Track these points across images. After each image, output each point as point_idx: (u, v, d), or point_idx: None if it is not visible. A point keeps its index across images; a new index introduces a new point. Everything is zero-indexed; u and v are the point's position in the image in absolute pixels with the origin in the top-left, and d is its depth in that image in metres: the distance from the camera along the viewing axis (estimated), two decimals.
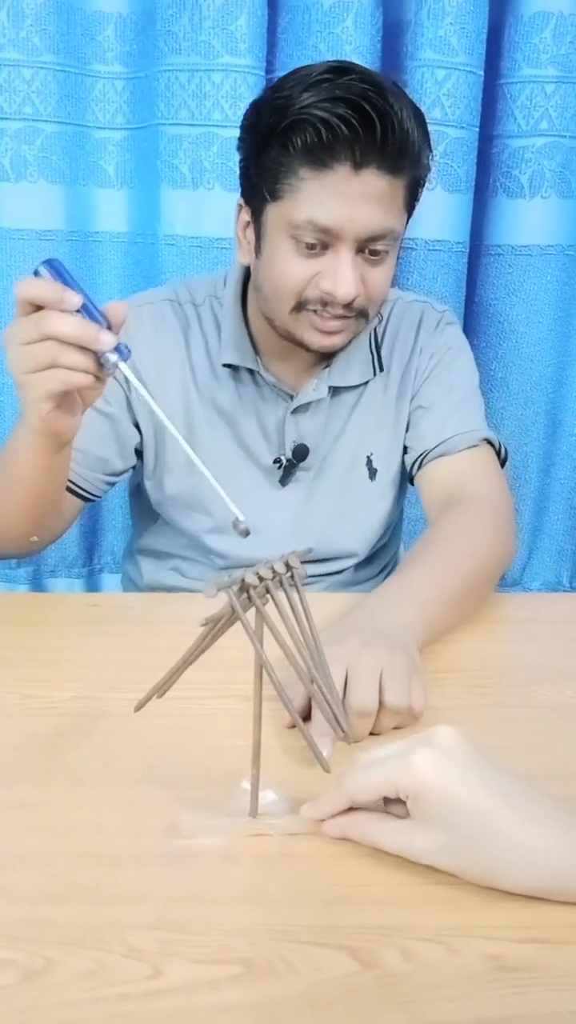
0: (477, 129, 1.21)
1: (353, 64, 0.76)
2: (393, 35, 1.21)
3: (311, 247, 0.79)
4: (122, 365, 0.60)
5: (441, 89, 1.17)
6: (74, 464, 0.87)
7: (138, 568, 1.05)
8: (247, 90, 1.16)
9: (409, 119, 0.75)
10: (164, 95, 1.17)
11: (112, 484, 0.95)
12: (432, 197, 1.22)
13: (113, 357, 0.59)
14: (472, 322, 1.35)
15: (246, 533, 0.53)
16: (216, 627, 0.47)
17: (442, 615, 0.73)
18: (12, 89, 1.17)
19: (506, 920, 0.43)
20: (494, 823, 0.43)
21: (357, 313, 0.83)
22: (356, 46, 1.15)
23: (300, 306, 0.82)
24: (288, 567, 0.48)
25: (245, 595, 0.46)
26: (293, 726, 0.59)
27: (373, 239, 0.79)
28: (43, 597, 1.06)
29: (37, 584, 1.43)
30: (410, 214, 0.84)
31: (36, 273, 0.63)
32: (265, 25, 1.15)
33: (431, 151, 0.81)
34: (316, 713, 0.57)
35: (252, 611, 0.47)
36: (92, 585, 1.45)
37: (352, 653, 0.60)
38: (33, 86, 1.18)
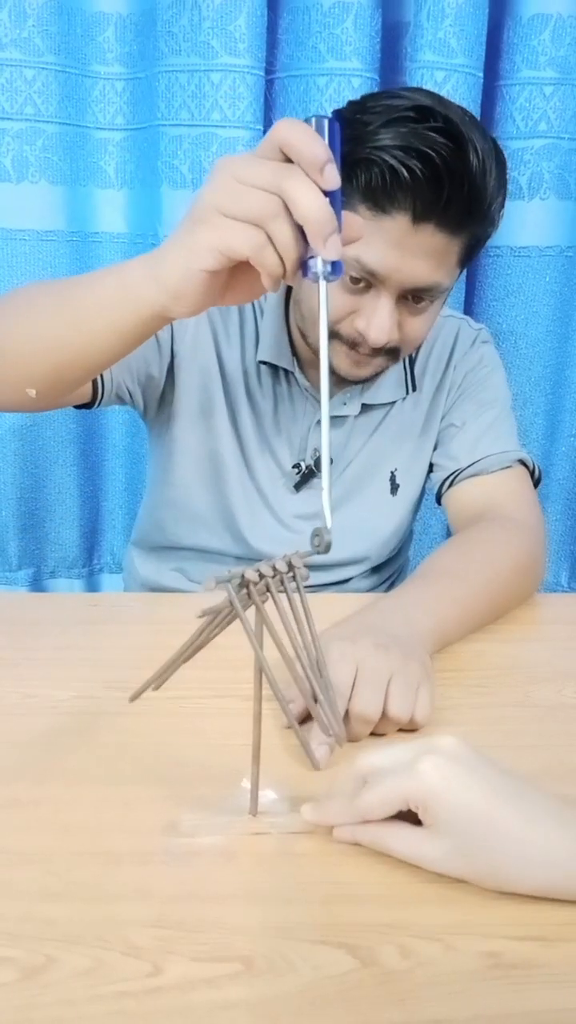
0: None
1: (440, 107, 0.71)
2: (393, 36, 1.21)
3: (355, 282, 0.77)
4: (323, 283, 0.48)
5: (440, 91, 1.17)
6: None
7: (137, 563, 1.05)
8: (246, 90, 1.16)
9: (485, 177, 0.72)
10: (164, 96, 1.17)
11: (116, 398, 0.88)
12: None
13: (320, 268, 0.48)
14: None
15: (326, 548, 0.46)
16: (214, 621, 0.47)
17: (458, 630, 0.73)
18: (14, 89, 1.17)
19: (504, 918, 0.43)
20: (502, 826, 0.43)
21: (387, 351, 0.82)
22: (356, 47, 1.16)
23: (333, 336, 0.81)
24: (290, 567, 0.47)
25: (245, 591, 0.46)
26: (291, 727, 0.59)
27: (418, 290, 0.77)
28: (43, 597, 1.06)
29: (37, 586, 1.43)
30: (464, 268, 0.82)
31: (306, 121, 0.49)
32: (265, 25, 1.15)
33: (503, 208, 0.78)
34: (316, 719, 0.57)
35: (252, 609, 0.47)
36: (92, 585, 1.45)
37: (363, 655, 0.59)
38: (35, 86, 1.18)
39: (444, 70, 1.16)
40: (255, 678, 0.49)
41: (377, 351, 0.81)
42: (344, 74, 1.17)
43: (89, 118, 1.22)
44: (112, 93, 1.22)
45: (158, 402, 0.95)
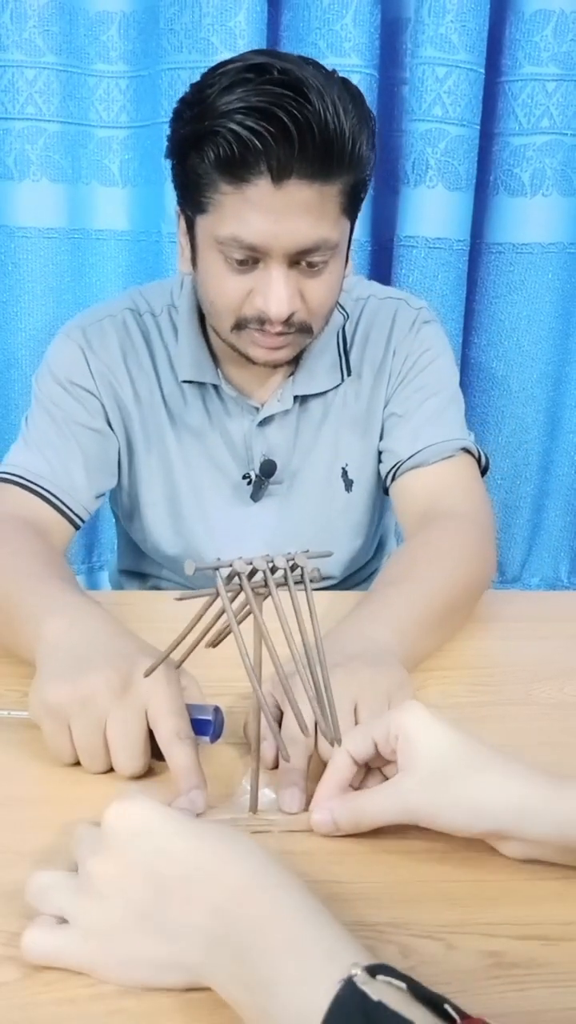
0: (478, 127, 1.21)
1: (274, 60, 0.68)
2: (393, 32, 1.21)
3: (242, 263, 0.73)
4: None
5: (442, 87, 1.17)
6: (71, 495, 0.85)
7: (121, 587, 1.06)
8: None
9: (338, 118, 0.67)
10: (167, 93, 1.17)
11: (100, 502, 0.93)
12: (433, 195, 1.22)
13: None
14: (473, 320, 1.35)
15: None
16: (203, 608, 0.47)
17: (420, 636, 0.68)
18: (15, 90, 1.18)
19: (505, 917, 0.43)
20: (475, 753, 0.46)
21: (298, 328, 0.79)
22: (355, 43, 1.16)
23: (240, 324, 0.78)
24: (294, 565, 0.47)
25: (236, 582, 0.46)
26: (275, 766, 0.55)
27: (306, 252, 0.73)
28: None
29: None
30: (353, 217, 0.78)
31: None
32: (265, 22, 1.15)
33: (372, 146, 0.73)
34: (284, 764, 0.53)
35: (240, 601, 0.47)
36: (91, 583, 1.45)
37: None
38: (36, 87, 1.18)
39: (445, 66, 1.16)
40: (254, 676, 0.48)
41: (287, 326, 0.77)
42: (344, 70, 1.14)
43: (93, 116, 1.22)
44: (115, 91, 1.22)
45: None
